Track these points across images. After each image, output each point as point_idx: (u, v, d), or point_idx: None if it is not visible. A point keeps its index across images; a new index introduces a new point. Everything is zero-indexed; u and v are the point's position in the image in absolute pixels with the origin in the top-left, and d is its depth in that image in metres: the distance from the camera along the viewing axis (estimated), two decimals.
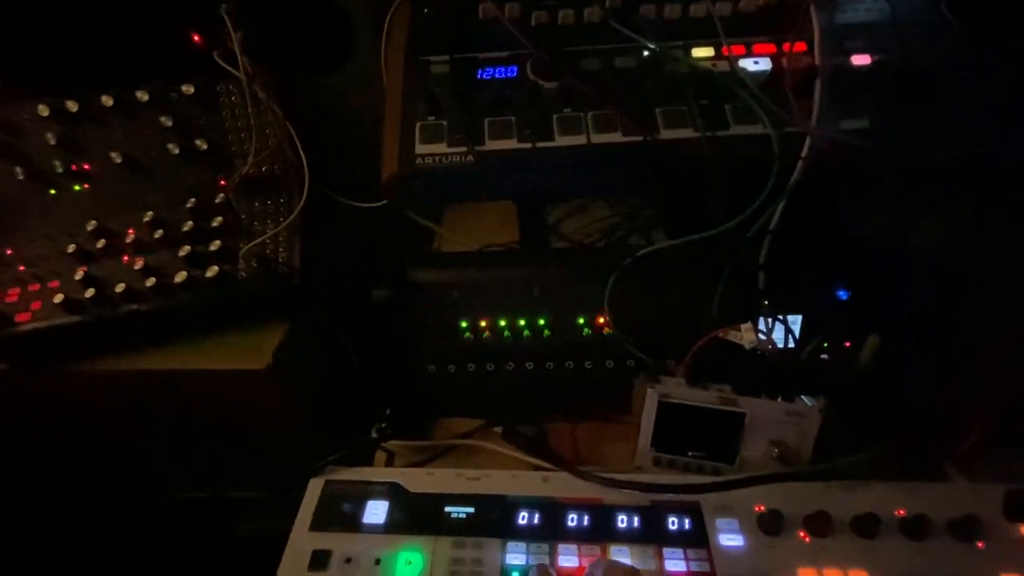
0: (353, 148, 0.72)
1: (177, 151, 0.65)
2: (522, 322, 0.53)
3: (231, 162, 0.66)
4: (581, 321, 0.53)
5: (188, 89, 0.65)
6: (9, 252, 0.63)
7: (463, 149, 0.47)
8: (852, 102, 0.48)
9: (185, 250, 0.61)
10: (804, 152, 0.46)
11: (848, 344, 0.52)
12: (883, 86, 0.49)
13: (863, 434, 0.49)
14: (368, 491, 0.47)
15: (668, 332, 0.50)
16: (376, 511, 0.46)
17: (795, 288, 0.51)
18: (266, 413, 0.63)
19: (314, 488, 0.48)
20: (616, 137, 0.47)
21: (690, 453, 0.49)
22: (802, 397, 0.48)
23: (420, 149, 0.47)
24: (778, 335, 0.52)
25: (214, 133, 0.66)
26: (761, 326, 0.50)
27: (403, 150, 0.47)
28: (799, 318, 0.52)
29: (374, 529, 0.45)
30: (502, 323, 0.53)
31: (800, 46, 0.51)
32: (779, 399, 0.47)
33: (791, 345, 0.51)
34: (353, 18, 0.75)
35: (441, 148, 0.47)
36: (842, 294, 0.51)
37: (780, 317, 0.49)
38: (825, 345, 0.52)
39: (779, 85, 0.49)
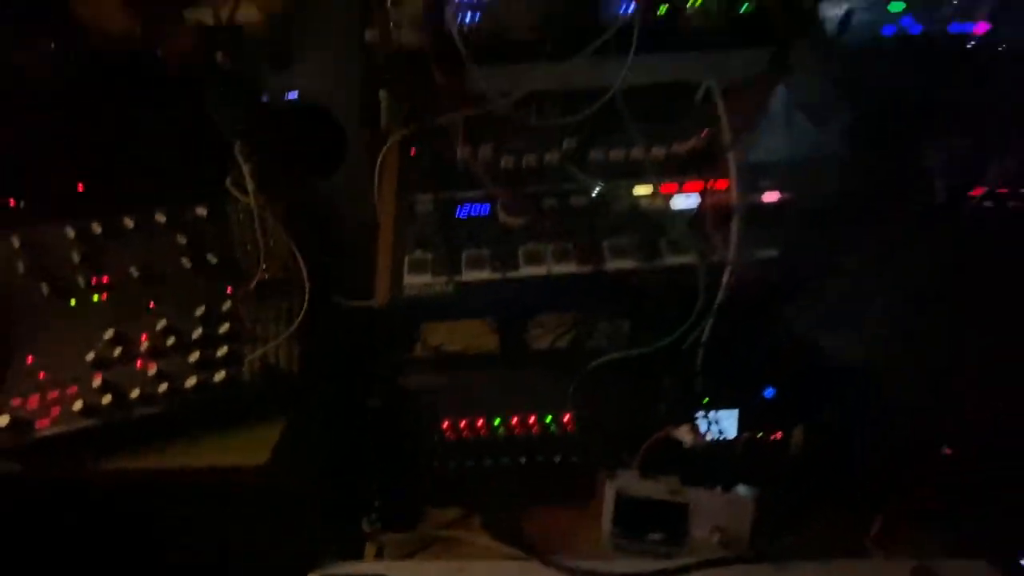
0: (346, 248, 0.80)
1: (189, 264, 0.72)
2: (497, 421, 0.61)
3: (238, 272, 0.73)
4: (549, 419, 0.61)
5: (202, 211, 0.73)
6: (30, 360, 0.69)
7: (444, 279, 0.56)
8: (764, 234, 0.59)
9: (195, 356, 0.67)
10: (725, 279, 0.56)
11: (779, 435, 0.61)
12: (790, 219, 0.60)
13: (797, 515, 0.57)
14: None
15: (626, 428, 0.58)
16: None
17: (729, 388, 0.59)
18: (265, 505, 0.68)
19: None
20: (572, 267, 0.57)
21: (646, 537, 0.56)
22: (740, 486, 0.55)
23: (408, 280, 0.56)
24: (726, 427, 0.60)
25: (223, 247, 0.73)
26: (704, 422, 0.58)
27: (394, 280, 0.56)
28: (735, 413, 0.60)
29: None
30: (481, 422, 0.61)
31: (721, 184, 0.62)
32: (718, 489, 0.55)
33: (731, 437, 0.60)
34: (349, 133, 0.86)
35: (426, 279, 0.56)
36: (769, 392, 0.59)
37: (712, 415, 0.58)
38: (759, 436, 0.60)
39: (705, 218, 0.59)
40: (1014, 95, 0.67)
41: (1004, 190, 0.57)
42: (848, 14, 0.79)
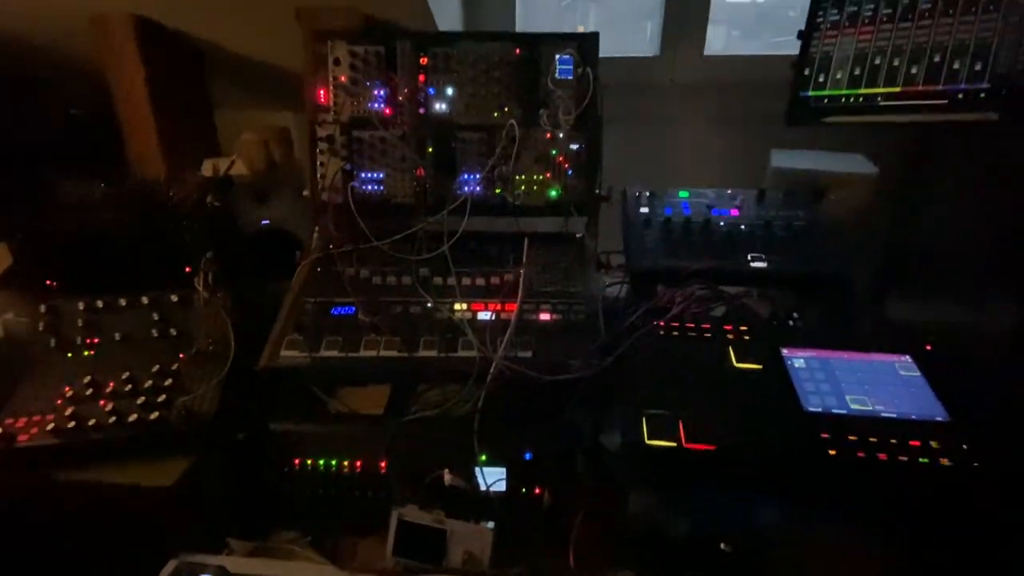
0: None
1: (157, 334, 1.02)
2: (333, 462, 0.84)
3: (189, 342, 1.02)
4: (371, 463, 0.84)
5: (175, 298, 1.05)
6: (27, 394, 0.96)
7: (307, 355, 0.84)
8: (530, 340, 0.86)
9: (141, 400, 0.94)
10: (492, 368, 0.82)
11: (538, 491, 0.82)
12: (551, 331, 0.87)
13: (535, 549, 0.76)
14: (202, 568, 0.73)
15: (421, 472, 0.81)
16: None
17: (499, 449, 0.82)
18: (170, 517, 0.90)
19: (169, 567, 0.75)
20: (394, 353, 0.84)
21: (416, 555, 0.75)
22: (489, 522, 0.76)
23: (283, 353, 0.84)
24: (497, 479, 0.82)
25: (183, 324, 1.03)
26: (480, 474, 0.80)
27: (273, 352, 0.84)
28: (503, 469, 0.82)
29: None
30: (322, 463, 0.84)
31: (512, 306, 0.90)
32: (470, 521, 0.75)
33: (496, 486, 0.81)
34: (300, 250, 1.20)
35: (295, 354, 0.84)
36: (528, 455, 0.82)
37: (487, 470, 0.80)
38: (523, 491, 0.81)
39: (490, 327, 0.87)
40: (733, 256, 0.98)
41: (676, 323, 0.84)
42: (652, 194, 1.14)
